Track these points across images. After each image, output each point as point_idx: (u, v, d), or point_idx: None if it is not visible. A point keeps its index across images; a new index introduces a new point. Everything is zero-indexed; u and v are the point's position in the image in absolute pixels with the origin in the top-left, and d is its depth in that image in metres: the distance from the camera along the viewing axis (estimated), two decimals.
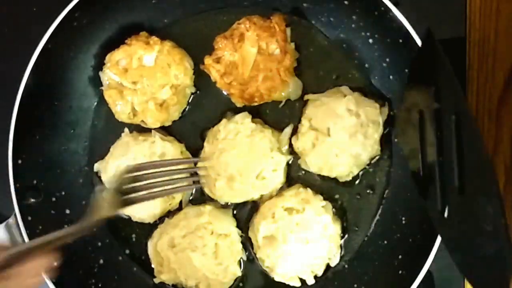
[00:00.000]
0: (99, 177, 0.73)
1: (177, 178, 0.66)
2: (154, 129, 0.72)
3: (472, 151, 0.48)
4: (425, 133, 0.58)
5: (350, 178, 0.70)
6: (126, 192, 0.56)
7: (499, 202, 0.42)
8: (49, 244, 0.50)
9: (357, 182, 0.71)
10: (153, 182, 0.60)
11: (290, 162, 0.72)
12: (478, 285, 0.51)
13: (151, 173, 0.60)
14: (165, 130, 0.74)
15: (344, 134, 0.67)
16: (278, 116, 0.73)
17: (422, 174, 0.58)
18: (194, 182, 0.71)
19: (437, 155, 0.54)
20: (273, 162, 0.69)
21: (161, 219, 0.72)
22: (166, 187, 0.63)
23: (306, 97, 0.71)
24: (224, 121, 0.71)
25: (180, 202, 0.73)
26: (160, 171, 0.62)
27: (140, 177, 0.59)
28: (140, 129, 0.73)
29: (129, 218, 0.72)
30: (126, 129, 0.73)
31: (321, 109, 0.68)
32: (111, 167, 0.70)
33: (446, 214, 0.53)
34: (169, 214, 0.72)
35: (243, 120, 0.70)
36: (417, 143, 0.59)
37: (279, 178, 0.71)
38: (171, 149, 0.70)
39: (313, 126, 0.69)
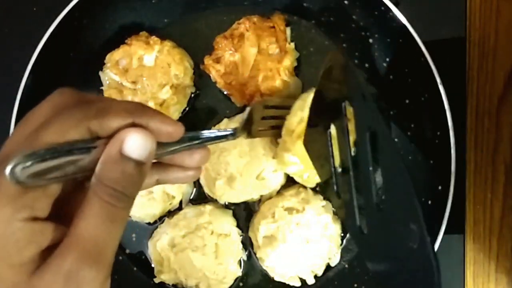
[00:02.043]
0: None
1: None
2: None
3: (392, 169, 0.44)
4: (335, 148, 0.54)
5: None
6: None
7: (422, 222, 0.40)
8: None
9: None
10: None
11: None
12: None
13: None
14: None
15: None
16: None
17: (336, 192, 0.56)
18: None
19: (352, 170, 0.51)
20: (273, 163, 0.69)
21: (161, 219, 0.72)
22: None
23: None
24: (225, 120, 0.71)
25: (180, 202, 0.73)
26: None
27: None
28: None
29: (129, 218, 0.72)
30: None
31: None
32: None
33: (365, 231, 0.50)
34: (169, 214, 0.72)
35: None
36: (327, 158, 0.55)
37: (279, 178, 0.70)
38: None
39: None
